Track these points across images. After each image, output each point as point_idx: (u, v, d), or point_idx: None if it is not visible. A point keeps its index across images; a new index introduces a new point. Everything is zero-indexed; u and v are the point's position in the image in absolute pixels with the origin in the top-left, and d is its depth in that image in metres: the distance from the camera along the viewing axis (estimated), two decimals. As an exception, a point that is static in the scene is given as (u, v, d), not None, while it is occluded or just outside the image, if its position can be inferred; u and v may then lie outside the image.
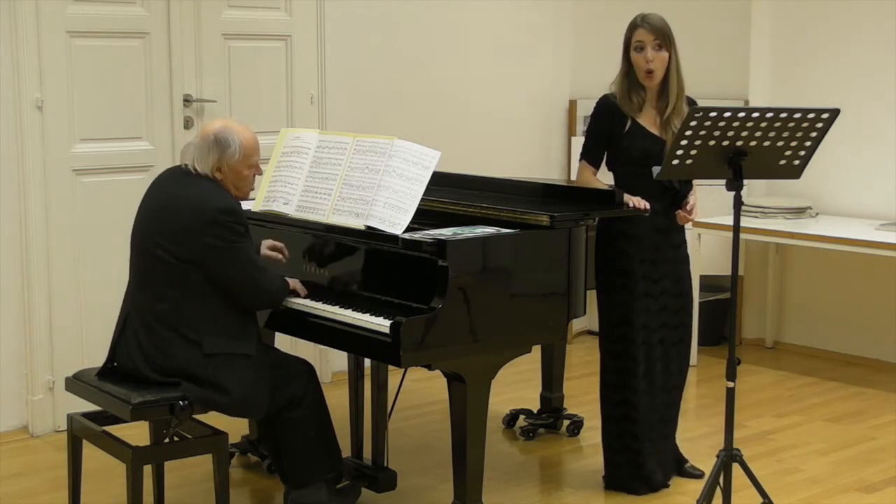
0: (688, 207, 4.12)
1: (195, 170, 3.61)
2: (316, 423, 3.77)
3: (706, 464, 4.21)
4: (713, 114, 3.36)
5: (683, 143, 3.42)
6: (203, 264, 3.51)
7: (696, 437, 4.78)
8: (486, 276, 3.61)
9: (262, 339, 3.75)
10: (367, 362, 4.27)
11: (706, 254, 5.93)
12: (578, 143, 6.44)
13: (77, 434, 3.72)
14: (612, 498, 4.22)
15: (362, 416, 4.22)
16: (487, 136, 6.23)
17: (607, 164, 4.25)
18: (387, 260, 3.70)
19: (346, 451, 4.06)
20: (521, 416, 4.98)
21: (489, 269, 3.62)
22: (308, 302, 3.78)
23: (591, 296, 4.11)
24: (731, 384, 3.57)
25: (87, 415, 3.72)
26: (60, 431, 4.63)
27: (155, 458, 3.76)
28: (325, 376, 5.49)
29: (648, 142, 4.09)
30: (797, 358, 6.26)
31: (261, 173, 3.77)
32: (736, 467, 3.60)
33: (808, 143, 3.51)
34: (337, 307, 3.69)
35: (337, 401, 4.47)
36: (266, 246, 3.92)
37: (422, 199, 3.65)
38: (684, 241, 4.27)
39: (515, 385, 5.41)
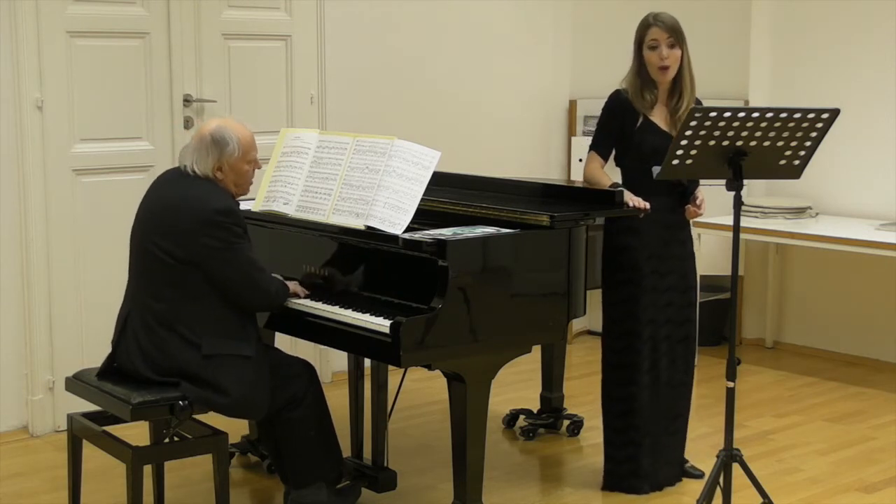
0: (697, 202, 4.15)
1: (194, 171, 3.61)
2: (316, 424, 3.77)
3: (706, 464, 4.21)
4: (713, 114, 3.37)
5: (683, 143, 3.43)
6: (201, 265, 3.51)
7: (696, 437, 4.77)
8: (486, 276, 3.61)
9: (262, 339, 3.75)
10: (367, 362, 4.26)
11: (706, 254, 5.92)
12: (578, 143, 6.49)
13: (77, 434, 3.72)
14: (611, 498, 4.22)
15: (362, 416, 4.22)
16: (487, 136, 6.23)
17: (615, 159, 4.26)
18: (387, 260, 3.69)
19: (346, 451, 4.05)
20: (522, 416, 4.98)
21: (489, 269, 3.62)
22: (308, 302, 3.78)
23: (592, 296, 4.10)
24: (731, 384, 3.58)
25: (87, 415, 3.72)
26: (60, 431, 4.62)
27: (155, 458, 3.76)
28: (325, 376, 5.49)
29: (659, 138, 4.10)
30: (797, 358, 6.26)
31: (259, 167, 3.77)
32: (736, 467, 3.60)
33: (808, 143, 3.51)
34: (337, 307, 3.68)
35: (337, 401, 4.46)
36: (291, 288, 3.84)
37: (422, 199, 3.65)
38: (690, 238, 4.29)
39: (515, 385, 5.41)
